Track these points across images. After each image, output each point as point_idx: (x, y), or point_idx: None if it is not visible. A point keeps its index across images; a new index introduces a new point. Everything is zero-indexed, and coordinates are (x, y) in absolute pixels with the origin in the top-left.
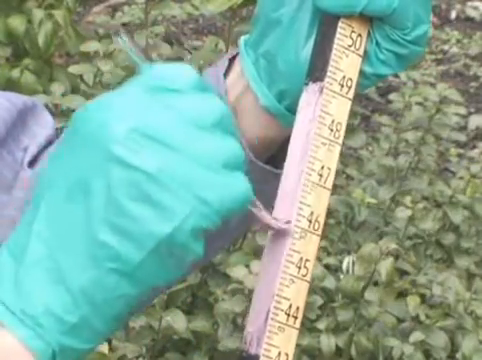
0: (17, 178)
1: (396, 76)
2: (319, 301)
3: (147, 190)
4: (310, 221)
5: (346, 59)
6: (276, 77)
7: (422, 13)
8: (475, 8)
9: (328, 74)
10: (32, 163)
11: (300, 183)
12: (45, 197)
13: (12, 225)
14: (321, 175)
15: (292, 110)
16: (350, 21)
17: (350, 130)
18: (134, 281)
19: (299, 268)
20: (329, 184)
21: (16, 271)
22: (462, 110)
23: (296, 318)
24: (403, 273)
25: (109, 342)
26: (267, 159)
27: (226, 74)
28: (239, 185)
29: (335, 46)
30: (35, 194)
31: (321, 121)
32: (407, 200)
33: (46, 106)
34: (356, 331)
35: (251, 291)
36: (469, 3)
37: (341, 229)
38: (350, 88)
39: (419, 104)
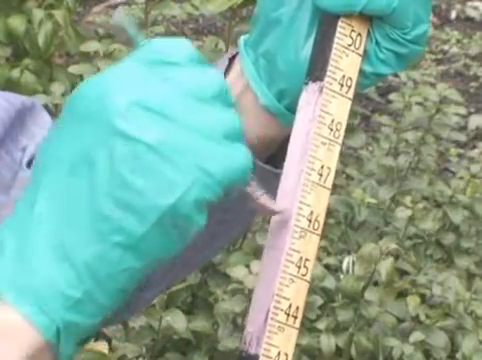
0: (16, 178)
1: (396, 76)
2: (319, 301)
3: (149, 162)
4: (310, 220)
5: (346, 58)
6: (276, 76)
7: (422, 12)
8: (475, 8)
9: (328, 73)
10: (31, 163)
11: (300, 183)
12: (46, 173)
13: None
14: (321, 175)
15: (292, 109)
16: (350, 20)
17: (350, 130)
18: (138, 254)
19: (299, 268)
20: (329, 184)
21: (18, 248)
22: (462, 110)
23: (296, 318)
24: (403, 273)
25: (109, 342)
26: (267, 159)
27: (226, 73)
28: (240, 156)
29: (335, 45)
30: (35, 171)
31: (321, 120)
32: (407, 200)
33: (46, 106)
34: (356, 331)
35: (251, 291)
36: (469, 3)
37: (341, 229)
38: (350, 87)
39: (419, 104)
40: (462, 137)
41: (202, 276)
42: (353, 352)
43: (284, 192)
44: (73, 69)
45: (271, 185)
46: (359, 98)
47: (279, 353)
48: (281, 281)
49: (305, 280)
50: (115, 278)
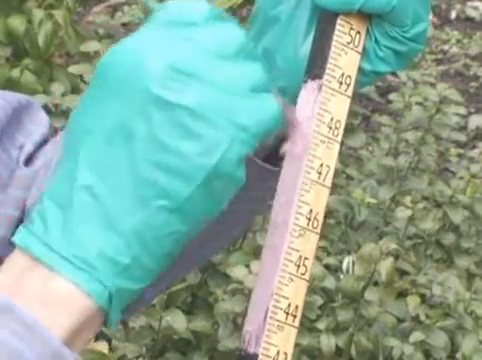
0: (13, 176)
1: (396, 76)
2: (319, 301)
3: (189, 125)
4: (309, 219)
5: (345, 56)
6: (275, 74)
7: (421, 10)
8: (475, 8)
9: (327, 71)
10: (28, 161)
11: (299, 181)
12: (82, 145)
13: (8, 224)
14: (320, 173)
15: None
16: (349, 18)
17: (350, 130)
18: (183, 216)
19: (298, 266)
20: (328, 182)
21: (64, 219)
22: (462, 110)
23: (295, 317)
24: (403, 273)
25: (109, 342)
26: (265, 157)
27: None
28: (269, 105)
29: (334, 43)
30: (67, 145)
31: (320, 119)
32: (407, 200)
33: (46, 106)
34: (356, 331)
35: (251, 291)
36: (469, 3)
37: (341, 229)
38: (349, 85)
39: (419, 104)
40: (462, 137)
41: (202, 276)
42: (353, 352)
43: (283, 190)
44: (73, 69)
45: (270, 184)
46: (359, 98)
47: (278, 352)
48: (280, 280)
49: (304, 279)
50: (161, 242)
